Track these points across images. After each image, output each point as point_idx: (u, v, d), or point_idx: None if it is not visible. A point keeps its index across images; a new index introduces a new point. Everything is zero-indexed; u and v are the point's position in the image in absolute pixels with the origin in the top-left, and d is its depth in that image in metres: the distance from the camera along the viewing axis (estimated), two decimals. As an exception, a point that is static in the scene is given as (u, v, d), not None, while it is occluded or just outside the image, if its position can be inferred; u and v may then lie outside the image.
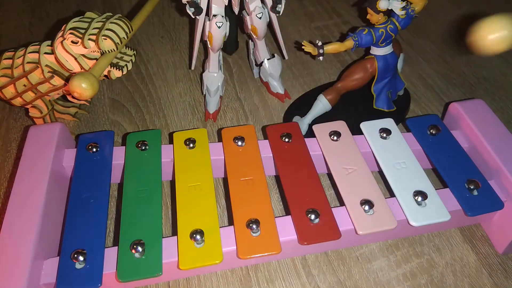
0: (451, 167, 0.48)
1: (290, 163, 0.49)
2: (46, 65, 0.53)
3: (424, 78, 0.70)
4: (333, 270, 0.47)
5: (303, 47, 0.55)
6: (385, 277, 0.47)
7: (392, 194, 0.46)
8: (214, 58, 0.60)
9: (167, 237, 0.43)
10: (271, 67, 0.64)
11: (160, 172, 0.48)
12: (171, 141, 0.52)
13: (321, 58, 0.55)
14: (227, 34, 0.56)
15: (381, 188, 0.46)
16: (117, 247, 0.42)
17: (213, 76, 0.61)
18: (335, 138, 0.51)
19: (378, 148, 0.50)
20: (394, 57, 0.57)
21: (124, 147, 0.51)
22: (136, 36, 0.78)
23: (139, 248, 0.40)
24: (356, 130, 0.52)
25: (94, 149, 0.50)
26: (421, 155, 0.51)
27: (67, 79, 0.53)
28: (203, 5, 0.53)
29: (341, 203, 0.46)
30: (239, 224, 0.43)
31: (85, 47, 0.49)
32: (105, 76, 0.53)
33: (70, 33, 0.49)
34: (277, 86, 0.66)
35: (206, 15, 0.55)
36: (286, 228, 0.43)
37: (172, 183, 0.55)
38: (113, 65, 0.52)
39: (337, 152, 0.50)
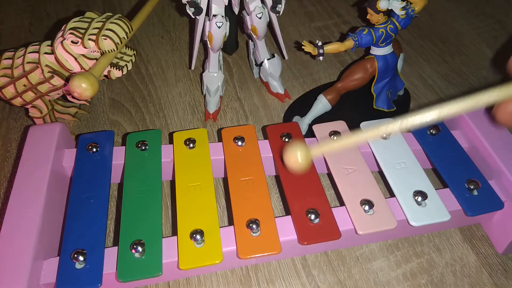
0: (451, 167, 0.48)
1: (290, 163, 0.49)
2: (46, 65, 0.53)
3: (424, 78, 0.70)
4: (333, 270, 0.47)
5: (303, 47, 0.55)
6: (385, 277, 0.47)
7: (392, 194, 0.46)
8: (214, 58, 0.60)
9: (167, 237, 0.43)
10: (271, 67, 0.64)
11: (160, 172, 0.48)
12: (171, 141, 0.52)
13: (321, 58, 0.55)
14: (227, 34, 0.56)
15: (381, 188, 0.46)
16: (117, 247, 0.41)
17: (213, 76, 0.61)
18: (335, 138, 0.51)
19: (378, 148, 0.50)
20: (394, 57, 0.57)
21: (124, 147, 0.51)
22: (136, 36, 0.78)
23: (139, 248, 0.40)
24: (356, 130, 0.52)
25: (94, 149, 0.50)
26: (421, 155, 0.51)
27: (67, 79, 0.53)
28: (203, 5, 0.53)
29: (341, 203, 0.46)
30: (239, 224, 0.43)
31: (85, 47, 0.49)
32: (105, 76, 0.53)
33: (70, 33, 0.49)
34: (277, 86, 0.66)
35: (206, 15, 0.55)
36: (286, 228, 0.43)
37: (172, 183, 0.55)
38: (113, 65, 0.52)
39: (337, 152, 0.50)
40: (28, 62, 0.54)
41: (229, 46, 0.73)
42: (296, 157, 0.37)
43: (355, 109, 0.61)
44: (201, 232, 0.41)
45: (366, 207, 0.43)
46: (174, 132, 0.52)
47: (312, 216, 0.43)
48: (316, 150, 0.38)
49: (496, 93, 0.30)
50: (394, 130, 0.35)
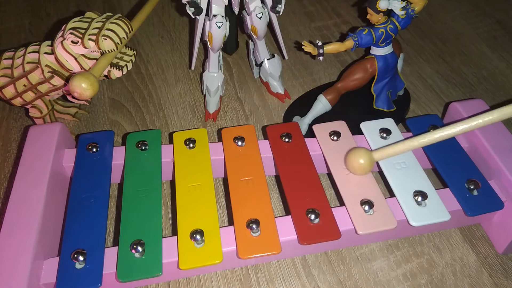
0: (451, 167, 0.48)
1: (290, 163, 0.49)
2: (46, 65, 0.53)
3: (424, 78, 0.70)
4: (333, 270, 0.47)
5: (303, 47, 0.55)
6: (385, 277, 0.47)
7: (392, 194, 0.46)
8: (214, 58, 0.60)
9: (167, 237, 0.43)
10: (271, 67, 0.64)
11: (160, 172, 0.48)
12: (171, 141, 0.52)
13: (321, 58, 0.55)
14: (227, 34, 0.56)
15: (381, 188, 0.46)
16: (117, 247, 0.42)
17: (213, 76, 0.61)
18: (335, 138, 0.51)
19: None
20: (394, 57, 0.57)
21: (124, 147, 0.51)
22: (136, 36, 0.78)
23: (139, 248, 0.40)
24: (356, 130, 0.52)
25: (94, 149, 0.50)
26: (421, 155, 0.51)
27: (67, 79, 0.53)
28: (203, 5, 0.53)
29: (341, 203, 0.46)
30: (239, 224, 0.43)
31: (85, 47, 0.49)
32: (105, 76, 0.53)
33: (70, 33, 0.49)
34: (277, 86, 0.66)
35: (206, 15, 0.55)
36: (286, 228, 0.43)
37: (172, 183, 0.55)
38: (113, 65, 0.52)
39: (337, 152, 0.50)
40: (28, 62, 0.54)
41: (229, 46, 0.73)
42: (359, 161, 0.44)
43: (355, 109, 0.61)
44: (201, 232, 0.41)
45: (366, 207, 0.43)
46: (174, 132, 0.53)
47: (312, 216, 0.43)
48: (378, 154, 0.45)
49: None
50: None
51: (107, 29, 0.48)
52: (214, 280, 0.47)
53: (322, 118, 0.58)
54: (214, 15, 0.54)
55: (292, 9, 0.84)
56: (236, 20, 0.66)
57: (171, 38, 0.79)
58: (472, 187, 0.45)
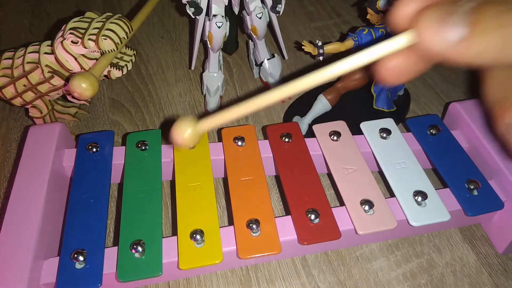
0: (451, 167, 0.48)
1: (290, 163, 0.49)
2: (46, 65, 0.53)
3: (424, 78, 0.70)
4: (333, 270, 0.47)
5: (303, 47, 0.55)
6: (385, 277, 0.47)
7: (392, 194, 0.46)
8: (214, 58, 0.60)
9: (167, 237, 0.43)
10: (271, 67, 0.64)
11: (160, 172, 0.48)
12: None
13: (321, 58, 0.55)
14: (227, 34, 0.56)
15: (381, 188, 0.46)
16: (117, 247, 0.42)
17: (213, 76, 0.61)
18: (335, 138, 0.51)
19: (378, 148, 0.50)
20: (394, 57, 0.57)
21: (124, 147, 0.51)
22: (136, 36, 0.78)
23: (139, 248, 0.40)
24: (356, 130, 0.52)
25: (94, 149, 0.50)
26: (421, 155, 0.51)
27: (67, 79, 0.53)
28: (203, 5, 0.53)
29: (341, 203, 0.46)
30: (239, 224, 0.43)
31: (85, 47, 0.49)
32: (105, 76, 0.53)
33: (70, 33, 0.49)
34: (277, 86, 0.66)
35: (206, 15, 0.55)
36: (286, 228, 0.43)
37: (172, 183, 0.55)
38: (113, 65, 0.52)
39: (337, 152, 0.50)
40: (28, 62, 0.54)
41: (229, 46, 0.73)
42: (184, 132, 0.34)
43: (355, 109, 0.61)
44: (201, 232, 0.41)
45: (366, 207, 0.43)
46: (174, 132, 0.52)
47: (312, 216, 0.43)
48: (204, 125, 0.35)
49: (377, 50, 0.27)
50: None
51: (107, 29, 0.48)
52: (214, 280, 0.47)
53: (322, 118, 0.58)
54: (214, 15, 0.54)
55: (292, 9, 0.84)
56: (236, 20, 0.66)
57: (171, 38, 0.79)
58: (472, 187, 0.45)
